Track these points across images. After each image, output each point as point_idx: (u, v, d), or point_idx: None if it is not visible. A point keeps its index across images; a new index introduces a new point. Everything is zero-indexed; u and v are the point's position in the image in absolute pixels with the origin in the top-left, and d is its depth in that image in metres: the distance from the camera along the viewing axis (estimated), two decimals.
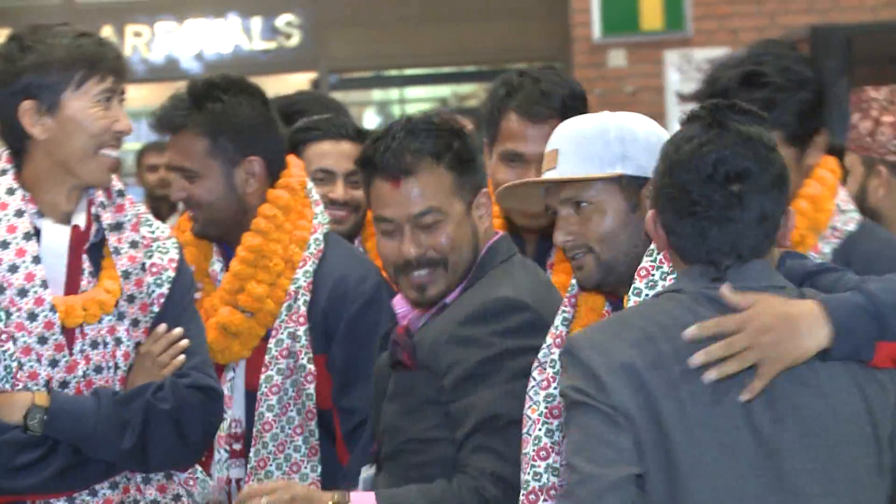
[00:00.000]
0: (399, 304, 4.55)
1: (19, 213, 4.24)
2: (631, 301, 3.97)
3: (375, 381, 4.45)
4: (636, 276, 3.94)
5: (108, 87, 4.25)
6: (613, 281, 3.99)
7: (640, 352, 3.41)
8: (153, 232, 4.49)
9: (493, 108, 4.95)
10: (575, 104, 4.90)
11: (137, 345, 4.34)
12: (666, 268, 3.91)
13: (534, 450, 4.06)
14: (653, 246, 3.90)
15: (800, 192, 4.56)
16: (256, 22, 14.06)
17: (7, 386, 4.19)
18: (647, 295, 3.94)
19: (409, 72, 15.67)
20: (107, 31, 13.59)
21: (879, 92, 5.29)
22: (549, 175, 4.04)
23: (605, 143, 3.99)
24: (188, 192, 4.93)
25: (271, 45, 14.12)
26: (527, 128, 4.85)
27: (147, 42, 14.07)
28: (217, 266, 5.07)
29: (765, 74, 4.55)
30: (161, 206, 10.06)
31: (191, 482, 4.48)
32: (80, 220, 4.33)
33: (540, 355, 4.15)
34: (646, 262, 3.95)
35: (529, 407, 4.11)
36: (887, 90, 5.31)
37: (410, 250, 4.20)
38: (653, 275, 3.93)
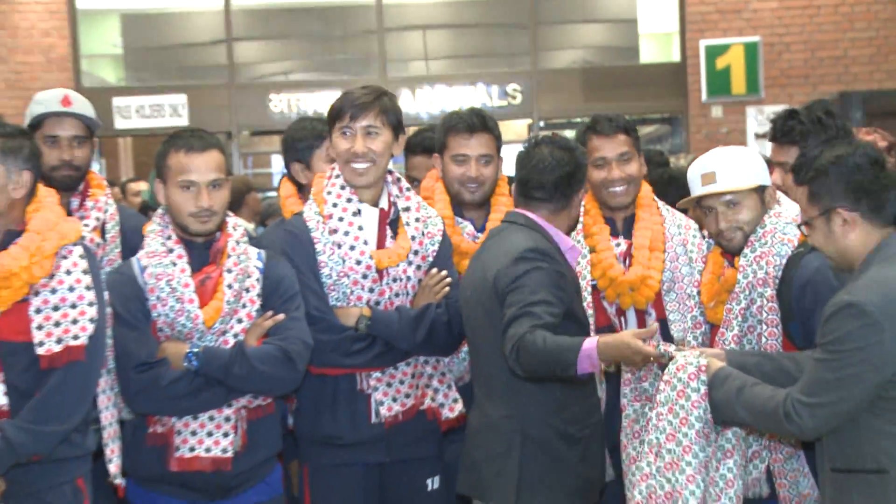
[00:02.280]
0: None
1: (349, 200, 4.34)
2: (742, 260, 4.08)
3: None
4: (745, 247, 4.08)
5: (344, 124, 4.30)
6: (740, 245, 4.11)
7: None
8: (428, 213, 4.50)
9: (581, 136, 4.71)
10: (631, 125, 4.80)
11: (419, 281, 4.43)
12: (766, 241, 4.03)
13: None
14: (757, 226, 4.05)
15: None
16: (494, 88, 14.42)
17: (344, 304, 4.31)
18: (752, 259, 4.05)
19: (581, 120, 15.12)
20: (406, 94, 14.28)
21: (868, 133, 5.46)
22: (711, 187, 4.10)
23: (749, 165, 4.12)
24: (483, 173, 4.80)
25: (503, 102, 14.36)
26: (604, 142, 4.67)
27: (430, 100, 14.38)
28: (471, 228, 4.86)
29: (799, 113, 4.52)
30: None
31: (447, 362, 4.55)
32: (384, 204, 4.42)
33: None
34: (752, 237, 4.07)
35: None
36: (872, 131, 5.53)
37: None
38: (754, 245, 4.05)
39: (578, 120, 15.30)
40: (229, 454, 4.03)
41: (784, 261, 4.00)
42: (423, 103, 14.54)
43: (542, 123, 14.79)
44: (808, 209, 3.59)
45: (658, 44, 15.53)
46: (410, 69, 15.50)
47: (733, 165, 4.09)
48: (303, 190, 4.78)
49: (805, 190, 3.59)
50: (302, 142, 4.82)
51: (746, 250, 4.06)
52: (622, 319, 4.68)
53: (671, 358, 3.73)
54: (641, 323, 4.58)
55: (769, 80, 14.28)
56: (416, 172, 5.38)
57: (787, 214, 4.10)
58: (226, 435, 4.04)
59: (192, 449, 4.00)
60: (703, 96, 14.31)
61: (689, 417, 3.66)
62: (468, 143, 4.79)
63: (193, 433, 4.02)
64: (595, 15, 16.43)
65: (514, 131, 14.97)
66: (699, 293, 4.32)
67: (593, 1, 16.29)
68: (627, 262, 4.75)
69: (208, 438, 4.02)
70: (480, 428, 4.21)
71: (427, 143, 5.33)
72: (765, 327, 4.00)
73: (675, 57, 14.69)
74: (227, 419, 4.06)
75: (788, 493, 3.98)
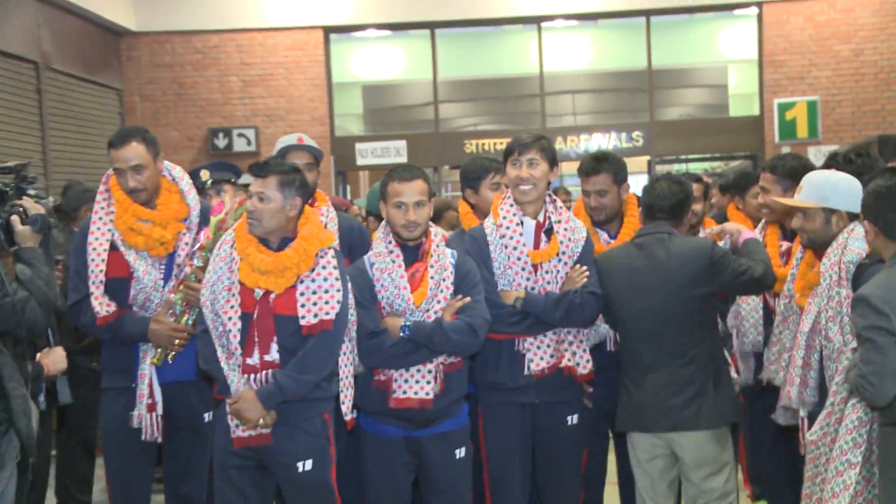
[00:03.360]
0: None
1: (514, 214, 4.23)
2: (822, 267, 3.77)
3: None
4: (824, 256, 3.78)
5: (514, 157, 4.23)
6: (816, 247, 3.86)
7: None
8: (575, 224, 4.32)
9: (748, 171, 4.44)
10: (799, 164, 4.49)
11: (566, 273, 4.25)
12: (839, 252, 3.69)
13: None
14: (841, 235, 3.73)
15: None
16: (623, 134, 14.02)
17: (508, 289, 4.20)
18: (828, 266, 3.71)
19: (690, 156, 15.32)
20: (559, 139, 13.91)
21: None
22: (796, 197, 3.91)
23: (825, 190, 3.80)
24: (601, 202, 4.64)
25: (629, 144, 14.00)
26: (767, 176, 4.48)
27: (576, 143, 14.09)
28: (606, 236, 4.67)
29: (838, 154, 4.23)
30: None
31: (586, 332, 4.37)
32: (540, 217, 4.27)
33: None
34: (829, 249, 3.76)
35: None
36: None
37: None
38: (830, 255, 3.74)
39: (684, 157, 15.40)
40: (431, 396, 4.01)
41: (854, 268, 3.68)
42: (571, 146, 14.28)
43: (658, 159, 14.56)
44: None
45: (742, 102, 15.07)
46: (563, 121, 15.37)
47: (813, 186, 3.87)
48: (475, 208, 4.66)
49: None
50: (473, 173, 4.66)
51: (825, 259, 3.76)
52: (775, 301, 4.49)
53: None
54: None
55: (825, 128, 13.82)
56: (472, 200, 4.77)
57: (859, 231, 3.73)
58: (428, 383, 4.01)
59: (404, 392, 4.00)
60: (776, 139, 13.85)
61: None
62: (587, 181, 4.66)
63: (406, 381, 4.01)
64: (696, 82, 16.24)
65: (637, 165, 14.77)
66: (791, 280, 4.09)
67: (695, 71, 16.00)
68: (785, 259, 4.52)
69: (416, 385, 4.01)
70: (669, 384, 4.13)
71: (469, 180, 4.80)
72: (847, 318, 3.64)
73: (756, 111, 14.19)
74: (430, 371, 4.03)
75: None
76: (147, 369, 4.17)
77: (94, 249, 4.14)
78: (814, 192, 3.84)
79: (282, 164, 3.87)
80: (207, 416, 4.32)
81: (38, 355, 3.82)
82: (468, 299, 4.07)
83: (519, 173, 4.23)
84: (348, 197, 14.14)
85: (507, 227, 4.23)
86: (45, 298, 3.70)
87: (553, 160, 4.31)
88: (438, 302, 4.05)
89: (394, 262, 4.06)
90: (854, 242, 3.71)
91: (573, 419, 4.33)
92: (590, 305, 4.22)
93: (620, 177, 4.65)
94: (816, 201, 3.81)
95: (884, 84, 13.79)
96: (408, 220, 4.04)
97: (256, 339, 3.74)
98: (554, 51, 14.50)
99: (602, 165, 4.63)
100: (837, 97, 13.86)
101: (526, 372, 4.23)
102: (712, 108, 16.01)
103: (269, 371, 3.75)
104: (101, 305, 4.11)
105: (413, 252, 4.10)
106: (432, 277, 4.05)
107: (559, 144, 14.02)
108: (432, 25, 14.26)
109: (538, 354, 4.23)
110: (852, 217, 3.78)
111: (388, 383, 4.04)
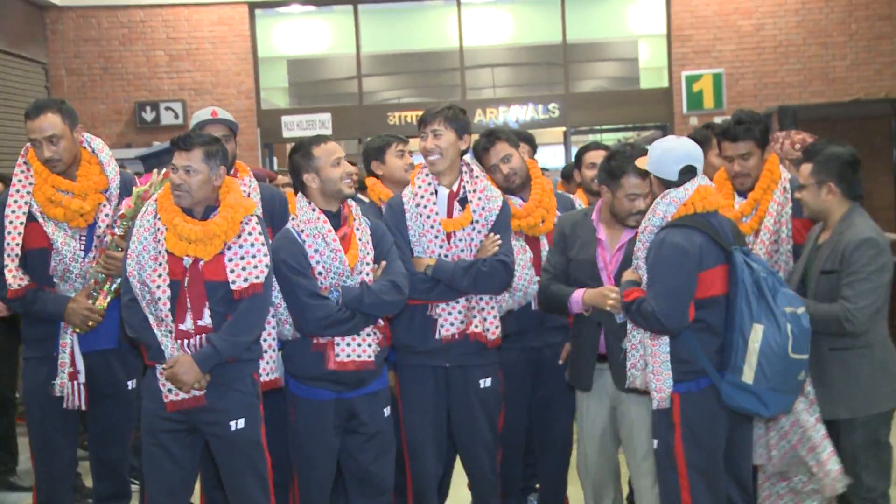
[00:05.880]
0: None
1: (429, 184, 4.18)
2: (640, 227, 3.80)
3: None
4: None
5: (421, 130, 4.20)
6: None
7: None
8: (491, 193, 4.22)
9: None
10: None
11: (480, 241, 4.18)
12: (649, 214, 3.76)
13: None
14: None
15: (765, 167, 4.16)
16: (539, 106, 13.84)
17: (423, 256, 4.15)
18: (643, 226, 3.76)
19: (604, 127, 15.10)
20: (479, 111, 13.75)
21: (797, 133, 5.01)
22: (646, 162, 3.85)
23: (655, 158, 3.78)
24: (512, 167, 4.52)
25: (546, 116, 13.89)
26: (727, 144, 4.15)
27: (496, 115, 13.83)
28: (520, 201, 4.55)
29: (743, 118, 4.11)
30: None
31: (499, 299, 4.28)
32: (454, 186, 4.21)
33: None
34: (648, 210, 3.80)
35: None
36: (801, 132, 5.05)
37: None
38: (647, 215, 3.77)
39: (598, 127, 15.37)
40: (372, 358, 3.95)
41: (656, 229, 3.72)
42: (490, 117, 14.10)
43: (572, 129, 14.53)
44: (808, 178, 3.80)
45: (653, 75, 15.09)
46: (482, 94, 15.32)
47: (653, 150, 3.82)
48: (382, 178, 4.63)
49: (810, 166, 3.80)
50: (377, 147, 4.61)
51: (644, 220, 3.80)
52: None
53: None
54: None
55: (729, 99, 13.83)
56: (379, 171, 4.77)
57: (672, 196, 3.73)
58: (370, 346, 3.94)
59: (348, 356, 3.92)
60: (684, 110, 13.89)
61: None
62: (490, 153, 4.54)
63: (348, 344, 3.92)
64: (608, 55, 16.22)
65: (554, 136, 14.82)
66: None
67: (607, 46, 16.00)
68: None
69: (358, 348, 3.93)
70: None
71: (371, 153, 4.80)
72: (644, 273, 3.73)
73: (665, 84, 14.19)
74: (369, 334, 3.95)
75: None
76: (68, 338, 4.09)
77: (11, 222, 4.03)
78: (650, 155, 3.86)
79: (204, 136, 3.79)
80: (131, 384, 4.26)
81: None
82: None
83: (425, 145, 4.18)
84: (275, 168, 13.95)
85: (422, 197, 4.18)
86: None
87: (461, 129, 4.21)
88: (367, 264, 3.98)
89: (324, 226, 3.94)
90: (661, 206, 3.72)
91: (486, 382, 4.26)
92: (498, 273, 4.14)
93: (514, 141, 4.57)
94: (646, 167, 3.85)
95: (783, 57, 13.89)
96: (347, 172, 4.00)
97: (189, 306, 3.67)
98: (473, 26, 14.35)
99: (497, 135, 4.55)
100: (740, 70, 13.90)
101: (437, 336, 4.18)
102: (624, 80, 15.96)
103: (204, 335, 3.69)
104: (14, 279, 4.01)
105: (336, 218, 4.01)
106: (360, 239, 3.99)
107: (479, 116, 13.86)
108: (355, 0, 14.00)
109: (448, 320, 4.17)
110: (666, 184, 3.77)
111: (328, 346, 3.93)
